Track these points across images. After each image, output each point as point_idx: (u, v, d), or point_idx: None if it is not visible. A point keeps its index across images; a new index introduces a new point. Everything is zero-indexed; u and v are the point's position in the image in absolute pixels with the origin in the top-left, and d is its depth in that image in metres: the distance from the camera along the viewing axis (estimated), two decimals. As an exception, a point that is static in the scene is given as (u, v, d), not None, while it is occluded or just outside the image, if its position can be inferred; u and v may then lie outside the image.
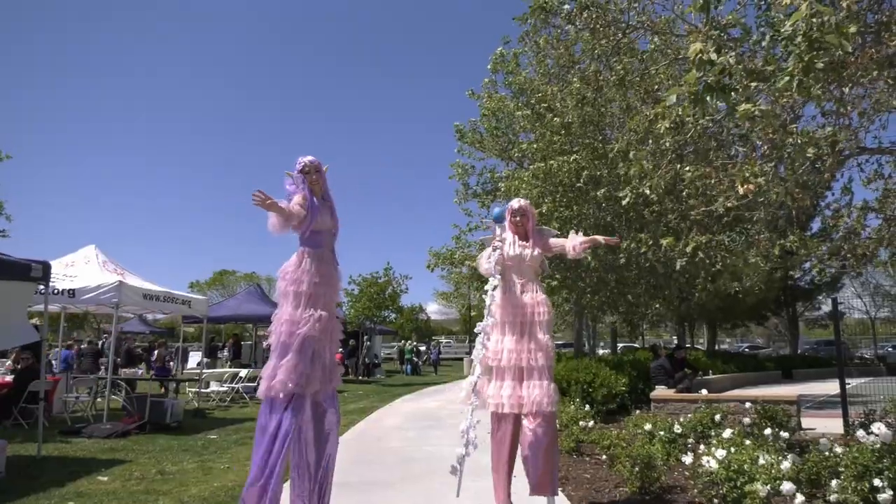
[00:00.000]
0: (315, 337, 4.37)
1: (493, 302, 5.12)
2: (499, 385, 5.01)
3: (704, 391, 10.70)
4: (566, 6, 6.05)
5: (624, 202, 6.42)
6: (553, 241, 5.44)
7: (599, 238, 5.36)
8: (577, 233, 5.33)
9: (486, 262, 5.30)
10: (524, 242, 5.33)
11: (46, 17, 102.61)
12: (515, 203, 5.44)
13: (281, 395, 4.24)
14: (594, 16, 6.13)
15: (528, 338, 5.00)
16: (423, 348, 40.44)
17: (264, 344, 5.22)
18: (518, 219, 5.38)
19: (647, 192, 6.19)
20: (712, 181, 6.05)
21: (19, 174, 77.95)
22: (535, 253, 5.27)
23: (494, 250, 5.24)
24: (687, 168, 6.09)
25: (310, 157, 4.68)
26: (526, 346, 4.97)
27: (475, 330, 4.99)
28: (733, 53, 4.37)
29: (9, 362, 14.90)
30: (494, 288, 5.14)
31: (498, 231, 5.40)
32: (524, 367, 4.94)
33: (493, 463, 5.13)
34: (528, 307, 5.09)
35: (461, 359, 36.78)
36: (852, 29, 3.53)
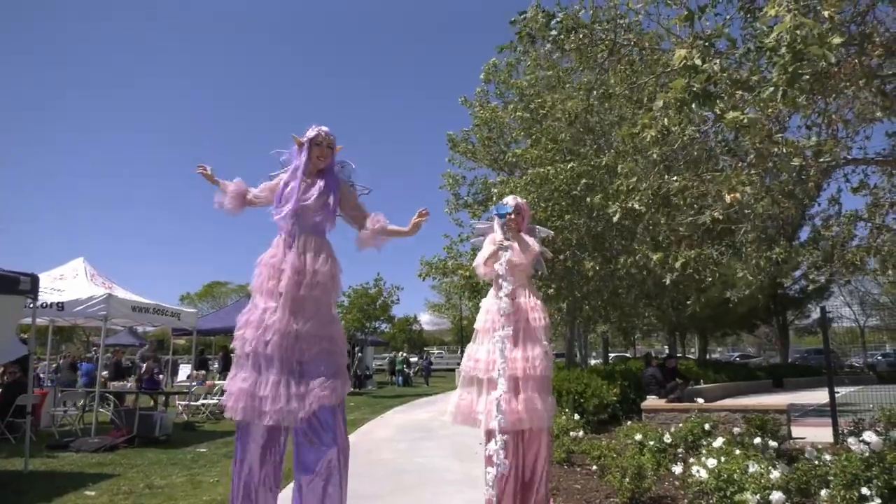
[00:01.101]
0: (267, 354, 3.66)
1: (505, 305, 4.51)
2: (489, 399, 4.44)
3: (701, 400, 10.72)
4: (553, 32, 6.08)
5: (615, 218, 6.46)
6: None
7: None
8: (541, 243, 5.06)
9: (484, 262, 4.85)
10: (517, 245, 4.94)
11: (34, 31, 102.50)
12: (510, 200, 5.06)
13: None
14: (581, 36, 6.17)
15: (522, 346, 4.59)
16: (414, 359, 40.37)
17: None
18: (511, 217, 4.96)
19: (636, 206, 6.22)
20: (699, 192, 6.08)
21: (6, 186, 77.50)
22: (530, 256, 4.89)
23: (504, 250, 4.66)
24: (675, 178, 6.13)
25: (326, 129, 4.16)
26: (521, 355, 4.54)
27: (495, 341, 4.42)
28: (718, 61, 4.40)
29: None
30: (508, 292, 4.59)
31: (497, 228, 5.00)
32: (519, 377, 4.50)
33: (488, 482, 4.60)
34: (521, 312, 4.68)
35: (453, 370, 36.68)
36: (836, 40, 3.56)
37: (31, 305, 8.35)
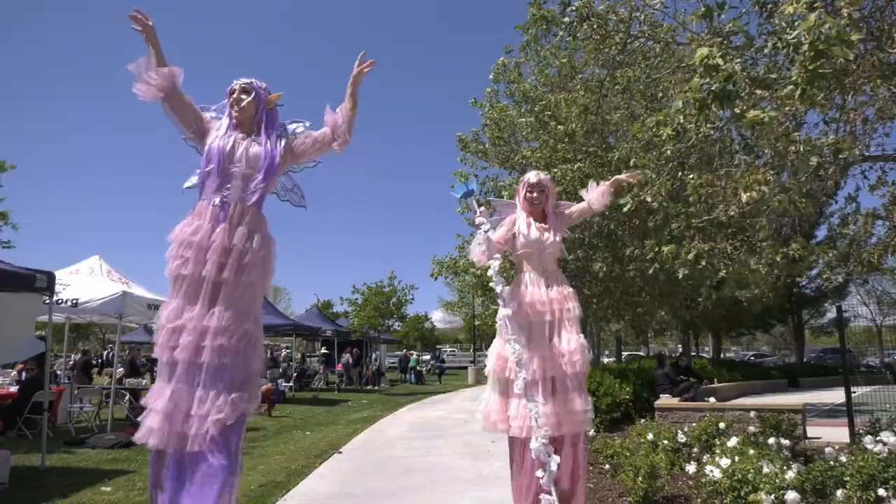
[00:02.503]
0: (173, 360, 3.01)
1: (502, 285, 4.13)
2: (523, 403, 3.98)
3: (713, 399, 10.66)
4: (566, 18, 6.05)
5: (625, 209, 6.41)
6: (570, 210, 4.62)
7: (621, 177, 4.74)
8: (595, 186, 4.61)
9: (477, 247, 4.31)
10: (542, 224, 4.44)
11: (48, 29, 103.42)
12: (532, 176, 4.54)
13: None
14: (595, 26, 6.14)
15: (559, 339, 4.13)
16: (426, 357, 40.40)
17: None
18: (535, 195, 4.47)
19: (649, 199, 6.18)
20: (715, 189, 6.04)
21: (24, 184, 78.21)
22: (558, 238, 4.41)
23: (482, 231, 4.25)
24: (690, 176, 6.08)
25: (243, 80, 3.51)
26: (559, 351, 4.08)
27: (497, 323, 4.15)
28: (738, 60, 4.36)
29: (13, 373, 14.92)
30: (497, 273, 4.15)
31: (477, 208, 4.36)
32: (556, 376, 4.06)
33: (515, 498, 4.18)
34: (554, 303, 4.20)
35: (465, 367, 36.72)
36: (855, 37, 3.53)
37: (48, 303, 8.43)
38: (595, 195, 4.54)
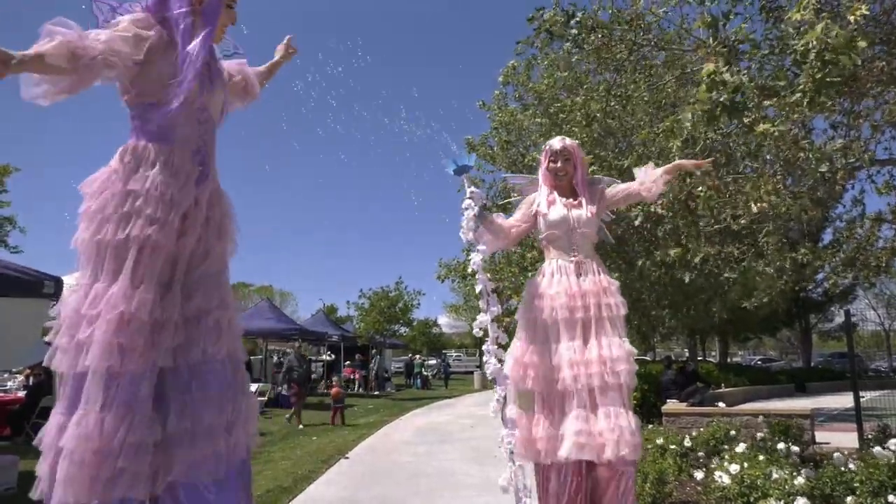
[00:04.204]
0: (127, 372, 2.11)
1: (485, 283, 3.41)
2: (554, 420, 3.35)
3: (721, 404, 10.61)
4: (573, 30, 6.05)
5: (636, 222, 6.41)
6: (614, 190, 3.80)
7: (686, 163, 3.96)
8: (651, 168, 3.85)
9: (466, 234, 3.59)
10: (571, 200, 3.71)
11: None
12: (556, 142, 3.79)
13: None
14: (600, 35, 6.15)
15: (597, 342, 3.36)
16: (432, 362, 40.35)
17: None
18: (559, 165, 3.73)
19: (659, 210, 6.17)
20: (724, 198, 6.03)
21: (30, 187, 78.63)
22: (591, 214, 3.64)
23: (468, 213, 3.52)
24: (699, 189, 6.08)
25: None
26: (598, 356, 3.30)
27: (474, 330, 3.41)
28: (746, 71, 4.37)
29: (21, 378, 14.98)
30: (480, 265, 3.51)
31: (469, 187, 3.58)
32: (596, 386, 3.27)
33: None
34: (589, 297, 3.45)
35: (471, 372, 36.64)
36: (862, 44, 3.53)
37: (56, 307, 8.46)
38: (648, 180, 3.73)
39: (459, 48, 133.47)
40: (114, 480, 2.06)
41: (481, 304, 3.40)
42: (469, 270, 3.71)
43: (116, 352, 2.09)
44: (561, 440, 3.26)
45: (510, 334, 3.88)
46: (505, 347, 3.43)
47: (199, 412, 2.19)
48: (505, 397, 3.25)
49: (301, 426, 12.63)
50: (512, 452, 3.16)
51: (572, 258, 3.59)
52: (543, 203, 3.73)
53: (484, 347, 3.32)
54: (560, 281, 3.52)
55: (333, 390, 13.57)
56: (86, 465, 2.04)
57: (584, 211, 3.64)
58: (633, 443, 3.17)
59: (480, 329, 3.36)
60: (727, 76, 3.99)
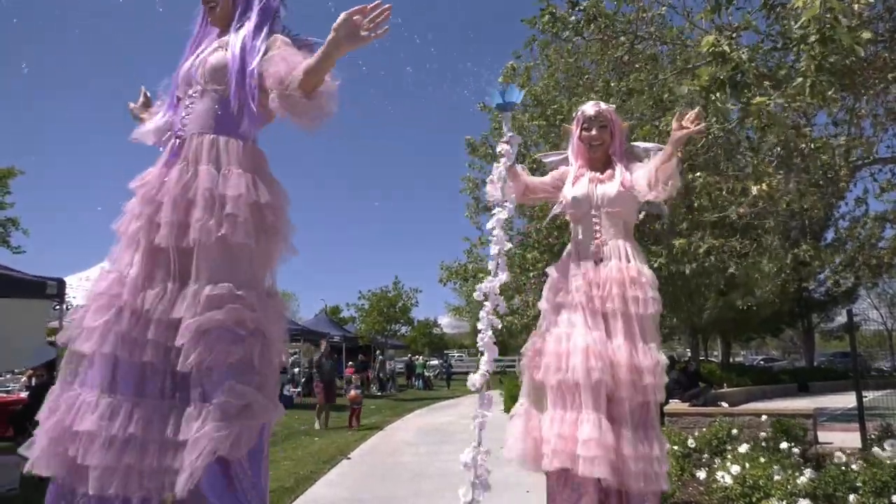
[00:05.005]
0: (105, 354, 2.10)
1: (502, 245, 3.03)
2: (565, 418, 2.84)
3: (724, 404, 10.59)
4: (573, 17, 6.04)
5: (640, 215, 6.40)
6: (638, 174, 3.12)
7: (681, 134, 2.87)
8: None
9: (492, 185, 3.21)
10: (598, 174, 3.25)
11: (56, 30, 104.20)
12: (590, 107, 3.31)
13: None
14: (602, 26, 6.13)
15: (628, 346, 2.88)
16: (434, 362, 40.34)
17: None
18: (593, 133, 3.25)
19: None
20: (723, 190, 6.01)
21: (34, 190, 78.81)
22: (620, 189, 3.11)
23: (502, 157, 3.19)
24: (698, 174, 6.06)
25: None
26: (627, 361, 2.82)
27: (475, 294, 3.02)
28: (746, 49, 4.34)
29: (24, 379, 14.98)
30: (503, 223, 3.09)
31: (509, 130, 3.22)
32: (616, 398, 2.84)
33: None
34: (612, 285, 2.94)
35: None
36: (866, 35, 3.51)
37: (58, 309, 8.47)
38: (659, 178, 2.95)
39: (462, 48, 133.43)
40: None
41: (490, 265, 3.03)
42: (488, 226, 3.07)
43: (131, 337, 2.15)
44: (571, 445, 2.76)
45: (512, 334, 3.71)
46: (502, 319, 3.19)
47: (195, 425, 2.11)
48: (490, 372, 2.91)
49: (323, 427, 12.49)
50: (481, 430, 2.90)
51: (593, 240, 3.13)
52: (570, 180, 3.29)
53: (480, 314, 2.94)
54: (579, 264, 3.11)
55: (351, 394, 13.45)
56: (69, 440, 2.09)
57: (614, 186, 3.12)
58: (656, 473, 2.79)
59: (483, 294, 2.97)
60: (726, 48, 3.96)
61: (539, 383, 3.07)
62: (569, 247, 3.28)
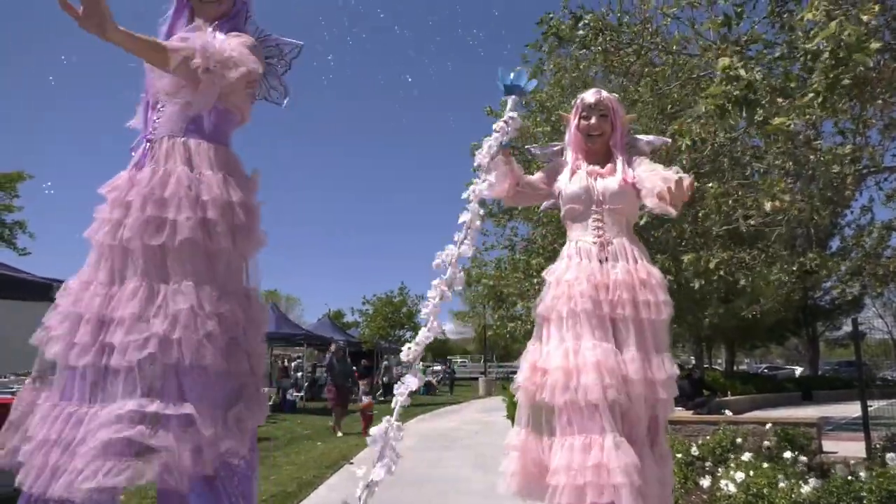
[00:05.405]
0: (71, 365, 2.07)
1: (474, 202, 2.72)
2: (574, 444, 2.47)
3: (728, 412, 10.57)
4: (580, 32, 6.05)
5: (641, 221, 6.39)
6: (642, 173, 2.85)
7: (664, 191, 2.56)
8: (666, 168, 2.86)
9: (485, 150, 2.90)
10: (597, 168, 2.98)
11: (63, 36, 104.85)
12: (590, 94, 3.05)
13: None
14: (608, 38, 6.14)
15: (641, 358, 2.61)
16: (437, 367, 40.37)
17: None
18: (592, 122, 3.00)
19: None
20: (732, 200, 6.00)
21: (40, 192, 79.07)
22: (622, 183, 2.87)
23: (497, 132, 2.92)
24: (710, 185, 6.05)
25: None
26: (641, 376, 2.56)
27: (434, 262, 2.65)
28: (760, 69, 4.35)
29: (28, 381, 15.06)
30: (478, 195, 2.75)
31: (511, 113, 2.98)
32: (627, 414, 2.57)
33: None
34: (620, 289, 2.66)
35: (476, 378, 36.60)
36: (874, 45, 3.52)
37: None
38: (657, 191, 2.64)
39: (467, 51, 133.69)
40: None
41: (456, 236, 2.68)
42: (464, 195, 2.71)
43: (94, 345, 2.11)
44: (583, 477, 2.39)
45: (517, 340, 3.38)
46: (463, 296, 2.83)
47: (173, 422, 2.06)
48: (424, 344, 2.58)
49: (340, 433, 12.27)
50: (402, 406, 2.49)
51: (596, 238, 2.83)
52: (566, 173, 3.02)
53: (434, 282, 2.63)
54: (581, 266, 2.77)
55: (365, 402, 13.24)
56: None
57: (615, 181, 2.88)
58: (670, 496, 2.60)
59: (443, 263, 2.63)
60: (742, 71, 3.96)
61: (541, 403, 2.66)
62: (566, 248, 2.95)
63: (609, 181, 2.89)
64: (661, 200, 2.59)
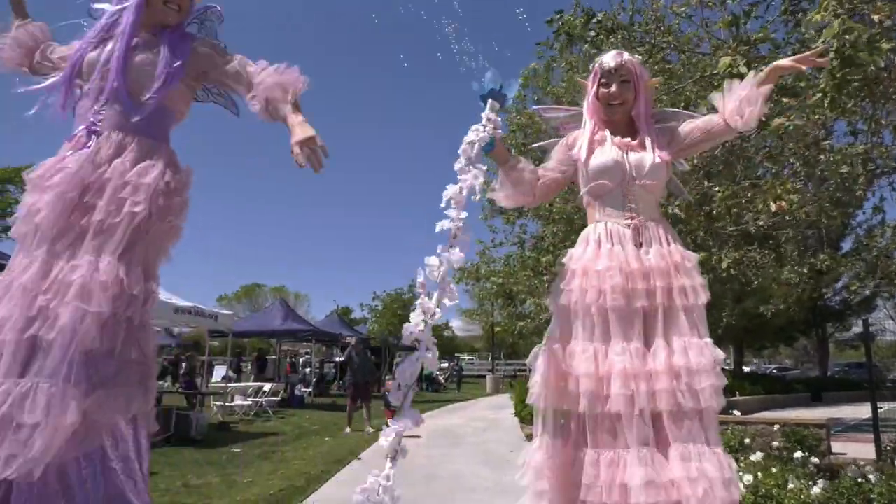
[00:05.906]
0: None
1: (454, 220, 2.35)
2: (600, 458, 2.28)
3: (736, 412, 10.53)
4: (591, 31, 6.03)
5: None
6: (688, 127, 2.68)
7: (785, 63, 2.60)
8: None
9: (462, 153, 2.56)
10: (628, 140, 2.66)
11: (75, 29, 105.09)
12: (610, 58, 2.69)
13: None
14: (619, 37, 6.13)
15: (665, 344, 2.37)
16: (445, 365, 40.39)
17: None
18: (613, 89, 2.64)
19: (678, 211, 6.12)
20: (742, 200, 5.99)
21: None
22: (657, 159, 2.57)
23: (488, 124, 2.60)
24: (717, 189, 6.04)
25: None
26: (665, 365, 2.30)
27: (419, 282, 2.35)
28: (763, 67, 4.35)
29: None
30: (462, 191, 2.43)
31: (491, 116, 2.63)
32: (666, 411, 2.27)
33: None
34: (655, 276, 2.41)
35: (484, 376, 36.61)
36: (885, 45, 3.50)
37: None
38: (738, 103, 2.49)
39: (478, 50, 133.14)
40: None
41: (439, 248, 2.33)
42: (442, 204, 2.36)
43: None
44: (618, 492, 2.19)
45: (525, 338, 2.97)
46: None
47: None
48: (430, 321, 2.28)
49: (348, 430, 12.11)
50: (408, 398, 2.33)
51: (628, 220, 2.53)
52: (585, 144, 2.66)
53: (434, 259, 2.33)
54: (612, 253, 2.46)
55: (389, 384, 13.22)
56: None
57: (649, 155, 2.57)
58: (728, 500, 2.18)
59: (427, 280, 2.34)
60: (743, 69, 3.95)
61: (567, 412, 2.43)
62: (592, 229, 2.60)
63: (643, 155, 2.58)
64: (741, 117, 2.48)
